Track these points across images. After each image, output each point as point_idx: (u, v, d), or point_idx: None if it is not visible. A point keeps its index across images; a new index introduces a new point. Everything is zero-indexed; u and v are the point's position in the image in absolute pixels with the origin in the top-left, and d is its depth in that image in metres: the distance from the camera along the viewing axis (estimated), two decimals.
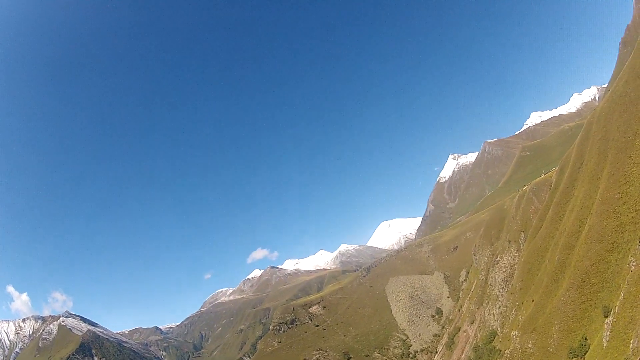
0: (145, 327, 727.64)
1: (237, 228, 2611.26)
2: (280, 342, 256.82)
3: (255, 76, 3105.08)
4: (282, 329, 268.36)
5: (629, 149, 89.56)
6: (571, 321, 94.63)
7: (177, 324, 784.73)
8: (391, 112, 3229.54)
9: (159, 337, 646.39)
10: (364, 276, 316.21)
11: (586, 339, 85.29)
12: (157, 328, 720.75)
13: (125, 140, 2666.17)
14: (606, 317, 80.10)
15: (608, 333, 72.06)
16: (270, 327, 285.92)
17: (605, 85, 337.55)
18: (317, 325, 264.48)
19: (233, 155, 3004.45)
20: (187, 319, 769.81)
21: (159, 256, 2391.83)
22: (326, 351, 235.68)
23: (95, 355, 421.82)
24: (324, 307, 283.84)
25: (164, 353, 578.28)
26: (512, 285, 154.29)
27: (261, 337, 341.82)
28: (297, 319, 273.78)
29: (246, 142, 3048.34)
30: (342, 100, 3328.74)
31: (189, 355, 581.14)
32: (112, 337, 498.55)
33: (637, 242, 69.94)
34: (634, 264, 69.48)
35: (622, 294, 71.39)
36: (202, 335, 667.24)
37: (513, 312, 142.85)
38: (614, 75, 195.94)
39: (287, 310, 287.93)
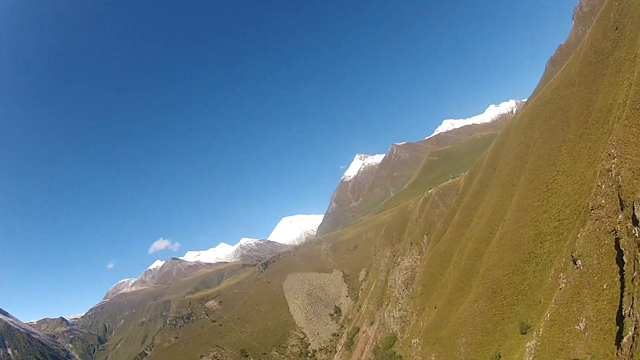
0: (52, 317, 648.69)
1: (138, 216, 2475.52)
2: (177, 338, 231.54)
3: (165, 74, 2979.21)
4: (179, 324, 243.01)
5: (552, 156, 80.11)
6: (480, 334, 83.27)
7: (82, 314, 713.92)
8: (299, 109, 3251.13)
9: (66, 329, 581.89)
10: (261, 271, 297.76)
11: (500, 357, 73.46)
12: (62, 319, 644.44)
13: (36, 134, 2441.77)
14: (524, 334, 69.38)
15: (531, 358, 61.10)
16: (167, 322, 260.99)
17: (525, 100, 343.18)
18: (214, 321, 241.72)
19: (137, 144, 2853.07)
20: (91, 310, 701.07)
21: (62, 243, 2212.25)
22: (223, 348, 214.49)
23: (8, 347, 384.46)
24: (221, 302, 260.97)
25: (70, 345, 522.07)
26: (413, 289, 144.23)
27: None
28: (193, 314, 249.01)
29: (151, 133, 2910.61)
30: (250, 95, 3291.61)
31: (94, 348, 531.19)
32: (22, 328, 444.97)
33: (569, 256, 59.43)
34: (564, 280, 58.88)
35: (549, 315, 60.37)
36: (105, 327, 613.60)
37: (414, 317, 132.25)
38: (536, 90, 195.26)
39: (184, 305, 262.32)
